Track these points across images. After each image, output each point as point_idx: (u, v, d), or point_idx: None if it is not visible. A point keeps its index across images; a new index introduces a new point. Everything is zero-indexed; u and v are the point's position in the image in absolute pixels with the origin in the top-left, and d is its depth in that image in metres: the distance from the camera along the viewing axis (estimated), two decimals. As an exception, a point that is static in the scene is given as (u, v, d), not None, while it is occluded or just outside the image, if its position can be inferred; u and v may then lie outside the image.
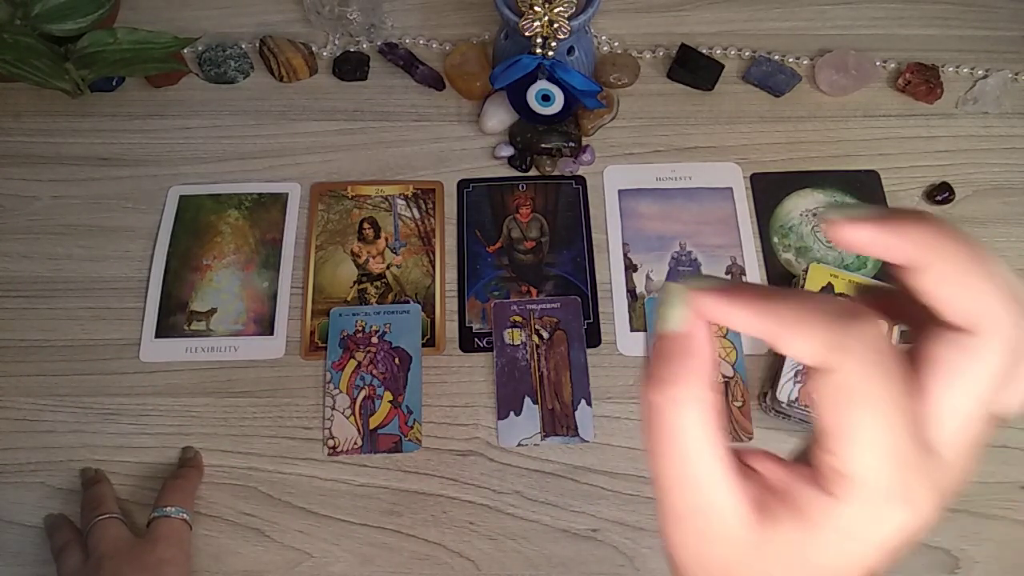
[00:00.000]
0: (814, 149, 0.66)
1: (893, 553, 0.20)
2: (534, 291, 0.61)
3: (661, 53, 0.71)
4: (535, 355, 0.58)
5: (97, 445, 0.55)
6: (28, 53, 0.62)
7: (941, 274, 0.20)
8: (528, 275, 0.61)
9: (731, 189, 0.64)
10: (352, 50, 0.71)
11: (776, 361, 0.56)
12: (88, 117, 0.68)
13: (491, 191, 0.65)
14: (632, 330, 0.59)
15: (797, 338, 0.19)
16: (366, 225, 0.63)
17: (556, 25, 0.56)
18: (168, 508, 0.50)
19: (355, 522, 0.53)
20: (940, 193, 0.63)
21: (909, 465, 0.19)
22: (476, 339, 0.59)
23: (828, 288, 0.56)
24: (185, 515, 0.50)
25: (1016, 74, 0.69)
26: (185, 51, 0.71)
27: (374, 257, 0.62)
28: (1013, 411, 0.20)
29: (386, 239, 0.63)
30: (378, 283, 0.61)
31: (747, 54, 0.71)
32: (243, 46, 0.71)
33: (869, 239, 0.22)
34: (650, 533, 0.52)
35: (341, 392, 0.56)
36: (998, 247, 0.62)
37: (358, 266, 0.62)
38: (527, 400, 0.56)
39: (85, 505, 0.52)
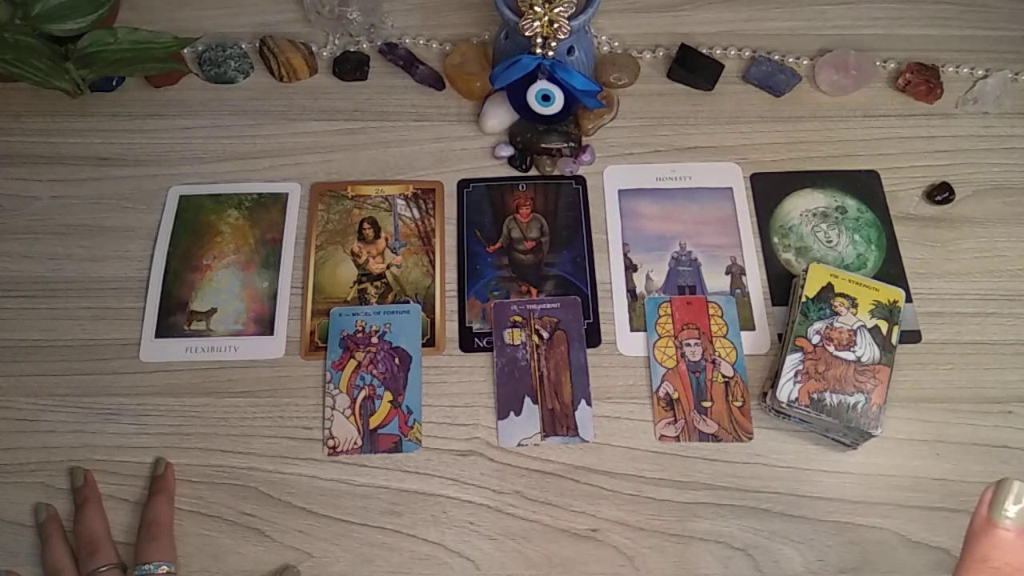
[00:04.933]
0: (814, 149, 0.66)
1: None
2: (534, 291, 0.61)
3: (661, 53, 0.71)
4: (535, 355, 0.58)
5: (97, 445, 0.55)
6: (28, 53, 0.62)
7: None
8: (528, 275, 0.61)
9: (731, 189, 0.64)
10: (352, 50, 0.71)
11: (776, 361, 0.56)
12: (88, 117, 0.69)
13: (491, 191, 0.65)
14: (632, 330, 0.59)
15: None
16: (366, 225, 0.63)
17: (556, 25, 0.56)
18: (148, 565, 0.49)
19: (355, 522, 0.53)
20: (940, 193, 0.63)
21: None
22: (476, 339, 0.59)
23: (828, 288, 0.56)
24: (167, 567, 0.49)
25: (1016, 74, 0.69)
26: (185, 51, 0.71)
27: (374, 257, 0.62)
28: None
29: (386, 239, 0.63)
30: (378, 283, 0.61)
31: (747, 54, 0.71)
32: (243, 46, 0.71)
33: None
34: (650, 533, 0.52)
35: (341, 392, 0.56)
36: (998, 247, 0.62)
37: (358, 266, 0.62)
38: (527, 400, 0.56)
39: (81, 544, 0.51)
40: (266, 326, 0.59)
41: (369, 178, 0.65)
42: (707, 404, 0.56)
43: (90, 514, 0.52)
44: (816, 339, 0.54)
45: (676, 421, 0.56)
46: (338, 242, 0.63)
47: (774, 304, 0.60)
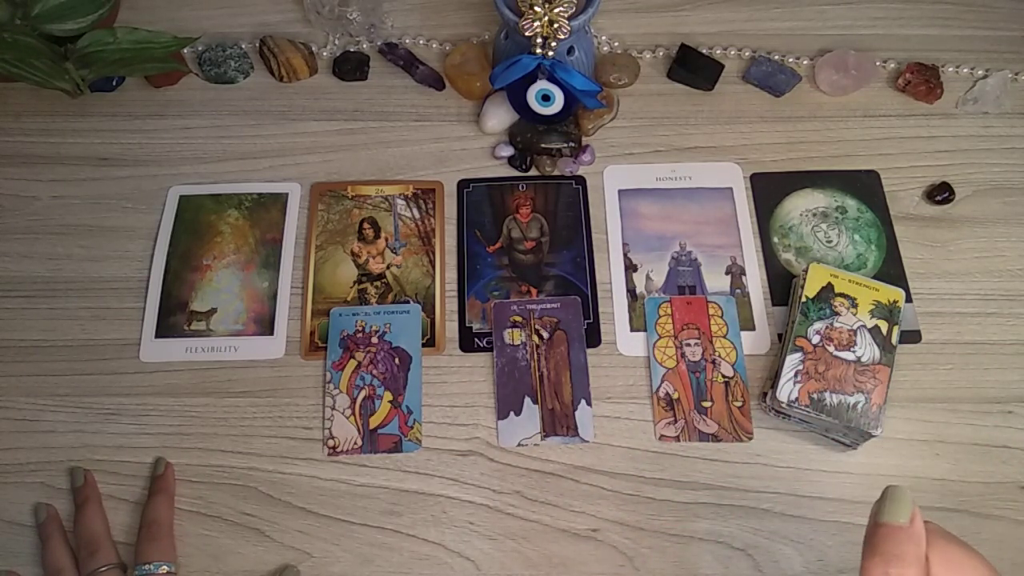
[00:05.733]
0: (814, 149, 0.66)
1: None
2: (534, 291, 0.61)
3: (661, 53, 0.71)
4: (535, 355, 0.58)
5: (97, 445, 0.55)
6: (28, 53, 0.62)
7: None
8: (528, 275, 0.61)
9: (731, 189, 0.64)
10: (352, 50, 0.71)
11: (776, 361, 0.56)
12: (88, 117, 0.69)
13: (491, 191, 0.65)
14: (632, 330, 0.59)
15: None
16: (366, 225, 0.63)
17: (556, 25, 0.56)
18: (148, 565, 0.49)
19: (355, 522, 0.53)
20: (940, 193, 0.63)
21: None
22: (476, 339, 0.59)
23: (828, 288, 0.56)
24: (167, 567, 0.49)
25: (1016, 74, 0.69)
26: (185, 51, 0.71)
27: (374, 257, 0.62)
28: None
29: (386, 239, 0.63)
30: (378, 283, 0.61)
31: (747, 54, 0.71)
32: (243, 46, 0.71)
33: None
34: (650, 533, 0.52)
35: (341, 392, 0.56)
36: (998, 247, 0.62)
37: (358, 266, 0.62)
38: (527, 400, 0.56)
39: (81, 544, 0.51)
40: (266, 326, 0.59)
41: (369, 178, 0.65)
42: (707, 404, 0.56)
43: (90, 514, 0.52)
44: (816, 339, 0.54)
45: (676, 421, 0.56)
46: (338, 242, 0.63)
47: (774, 304, 0.60)
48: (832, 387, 0.52)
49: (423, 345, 0.58)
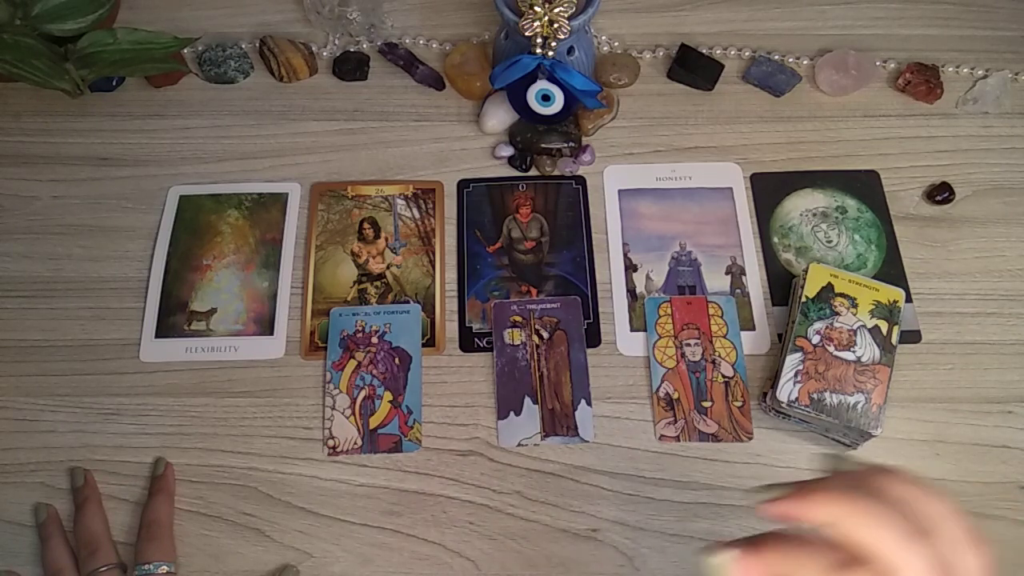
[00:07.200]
0: (814, 149, 0.66)
1: None
2: (534, 291, 0.61)
3: (661, 53, 0.71)
4: (535, 355, 0.58)
5: (97, 445, 0.55)
6: (28, 53, 0.62)
7: (845, 529, 0.30)
8: (528, 275, 0.61)
9: (731, 189, 0.64)
10: (352, 50, 0.71)
11: (776, 361, 0.56)
12: (88, 117, 0.69)
13: (491, 191, 0.65)
14: (632, 330, 0.59)
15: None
16: (366, 225, 0.63)
17: (556, 25, 0.56)
18: (148, 565, 0.49)
19: (355, 522, 0.53)
20: (940, 193, 0.63)
21: None
22: (476, 339, 0.59)
23: (828, 288, 0.56)
24: (167, 567, 0.49)
25: (1016, 74, 0.69)
26: (185, 51, 0.71)
27: (374, 257, 0.62)
28: None
29: (386, 239, 0.63)
30: (378, 283, 0.61)
31: (747, 54, 0.71)
32: (243, 46, 0.71)
33: (786, 512, 0.31)
34: (650, 533, 0.52)
35: (341, 392, 0.56)
36: (998, 247, 0.62)
37: (358, 266, 0.62)
38: (527, 400, 0.56)
39: (81, 544, 0.51)
40: (266, 326, 0.59)
41: (369, 178, 0.65)
42: (707, 404, 0.56)
43: (90, 514, 0.52)
44: (816, 339, 0.54)
45: (676, 421, 0.56)
46: (338, 242, 0.63)
47: (774, 304, 0.60)
48: (832, 387, 0.52)
49: (423, 345, 0.58)
